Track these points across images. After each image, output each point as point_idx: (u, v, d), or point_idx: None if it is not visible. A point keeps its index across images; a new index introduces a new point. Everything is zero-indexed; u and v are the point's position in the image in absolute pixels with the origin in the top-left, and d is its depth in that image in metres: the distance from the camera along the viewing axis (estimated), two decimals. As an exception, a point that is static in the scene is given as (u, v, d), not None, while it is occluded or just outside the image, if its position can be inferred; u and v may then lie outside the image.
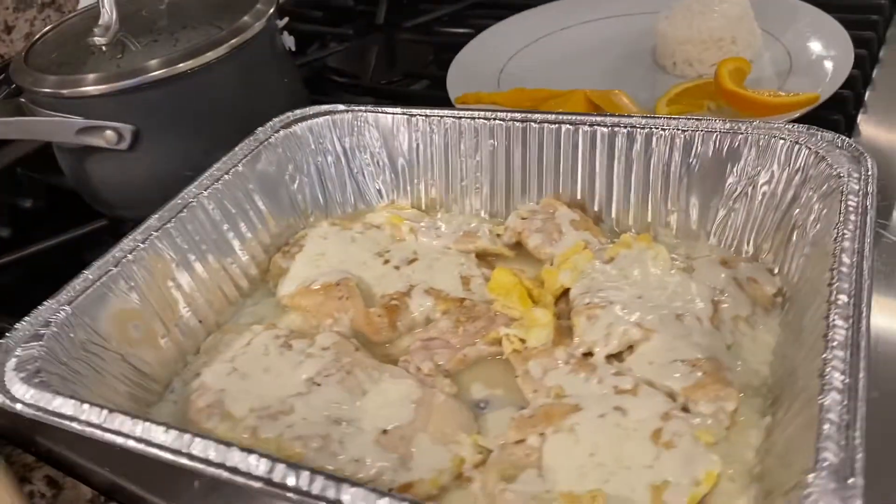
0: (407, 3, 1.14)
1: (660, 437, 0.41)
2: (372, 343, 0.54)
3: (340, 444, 0.44)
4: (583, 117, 0.58)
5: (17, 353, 0.45)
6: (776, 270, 0.52)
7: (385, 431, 0.45)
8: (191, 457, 0.37)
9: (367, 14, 1.11)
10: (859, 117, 0.71)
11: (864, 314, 0.38)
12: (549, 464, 0.42)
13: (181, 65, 0.64)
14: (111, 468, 0.52)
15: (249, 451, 0.36)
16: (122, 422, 0.39)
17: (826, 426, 0.33)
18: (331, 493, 0.34)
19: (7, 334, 0.46)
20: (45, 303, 0.49)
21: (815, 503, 0.30)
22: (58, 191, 0.85)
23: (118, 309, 0.51)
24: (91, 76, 0.63)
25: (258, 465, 0.36)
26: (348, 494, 0.33)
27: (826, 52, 0.73)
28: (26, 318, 0.47)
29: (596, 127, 0.57)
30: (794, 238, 0.51)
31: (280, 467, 0.35)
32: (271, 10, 0.70)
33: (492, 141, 0.61)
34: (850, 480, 0.30)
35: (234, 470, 0.36)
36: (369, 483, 0.40)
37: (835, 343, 0.37)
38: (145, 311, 0.53)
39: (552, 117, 0.59)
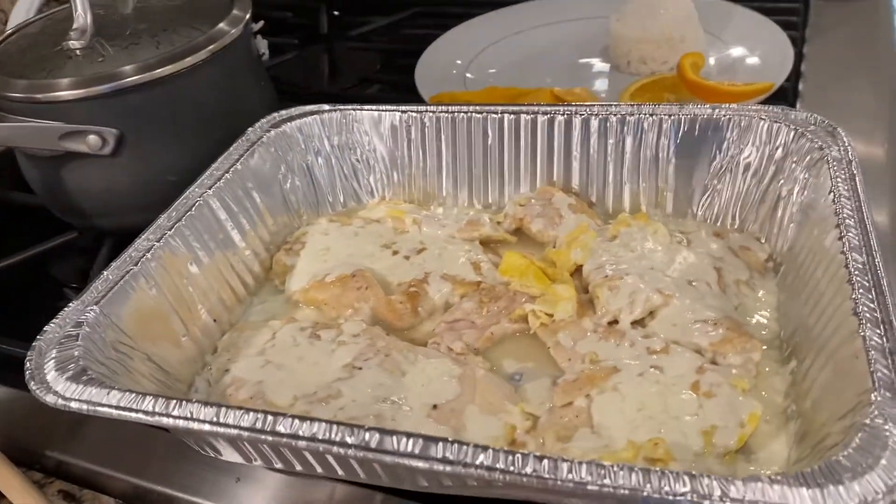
0: (346, 14, 1.15)
1: (699, 388, 0.45)
2: (394, 329, 0.55)
3: (394, 420, 0.45)
4: (573, 107, 0.61)
5: (53, 355, 0.43)
6: (763, 240, 0.57)
7: (435, 406, 0.47)
8: (275, 433, 0.37)
9: (309, 25, 1.12)
10: (797, 105, 0.78)
11: (878, 261, 0.42)
12: (601, 421, 0.44)
13: (164, 69, 0.63)
14: (134, 473, 0.51)
15: (337, 422, 0.37)
16: (193, 409, 0.39)
17: (872, 353, 0.37)
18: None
19: (38, 337, 0.45)
20: (70, 304, 0.47)
21: (881, 413, 0.34)
22: (9, 206, 0.81)
23: (142, 307, 0.50)
24: (73, 80, 0.62)
25: (352, 433, 0.36)
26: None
27: (765, 48, 0.81)
28: (54, 321, 0.46)
29: (588, 116, 0.61)
30: (780, 209, 0.56)
31: (374, 435, 0.36)
32: (247, 16, 0.70)
33: (486, 134, 0.63)
34: (907, 394, 0.35)
35: (334, 442, 0.36)
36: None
37: (860, 288, 0.41)
38: (166, 308, 0.52)
39: (542, 109, 0.62)
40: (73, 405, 0.40)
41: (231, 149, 0.62)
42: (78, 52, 0.65)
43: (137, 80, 0.63)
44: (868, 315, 0.39)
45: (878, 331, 0.38)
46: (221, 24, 0.67)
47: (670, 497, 0.32)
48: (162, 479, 0.50)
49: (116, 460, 0.52)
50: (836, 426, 0.38)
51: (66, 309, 0.47)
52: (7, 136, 0.62)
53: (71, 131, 0.62)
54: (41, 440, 0.54)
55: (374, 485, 0.43)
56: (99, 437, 0.54)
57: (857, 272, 0.42)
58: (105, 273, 0.50)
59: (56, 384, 0.42)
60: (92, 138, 0.63)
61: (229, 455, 0.46)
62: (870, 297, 0.40)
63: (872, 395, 0.35)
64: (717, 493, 0.32)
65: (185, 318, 0.53)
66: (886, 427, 0.34)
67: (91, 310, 0.47)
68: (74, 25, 0.65)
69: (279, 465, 0.45)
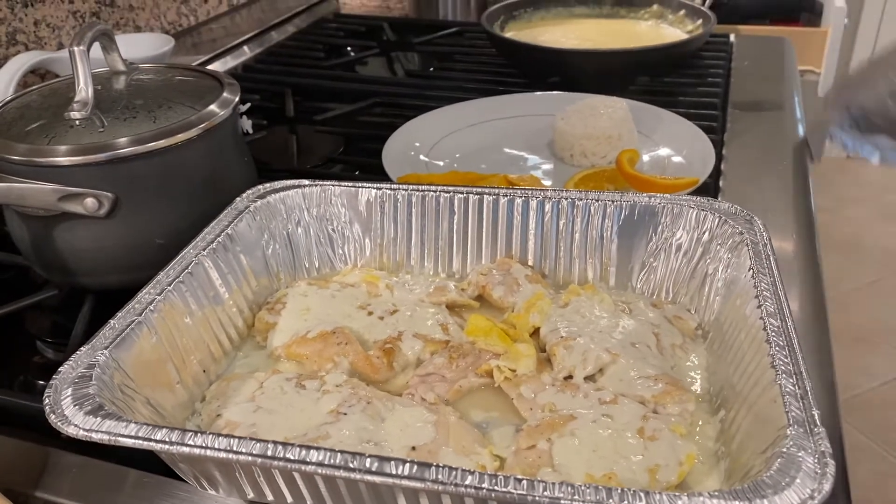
0: (310, 100, 1.24)
1: (644, 433, 0.52)
2: (371, 382, 0.60)
3: (378, 460, 0.50)
4: (530, 191, 0.70)
5: (69, 393, 0.47)
6: (693, 310, 0.66)
7: (414, 448, 0.52)
8: (286, 459, 0.42)
9: (276, 109, 1.20)
10: (719, 198, 0.89)
11: (790, 325, 0.51)
12: (561, 462, 0.51)
13: (159, 142, 0.69)
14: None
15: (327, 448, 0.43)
16: (208, 439, 0.44)
17: (787, 397, 0.45)
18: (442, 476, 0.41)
19: (55, 377, 0.49)
20: (81, 349, 0.51)
21: (795, 444, 0.42)
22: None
23: (143, 354, 0.54)
24: (74, 146, 0.67)
25: (354, 458, 0.42)
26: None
27: (690, 148, 0.92)
28: (68, 363, 0.50)
29: (543, 199, 0.69)
30: (707, 284, 0.65)
31: (375, 461, 0.42)
32: (236, 99, 0.77)
33: (452, 211, 0.71)
34: (816, 429, 0.43)
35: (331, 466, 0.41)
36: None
37: (776, 346, 0.49)
38: (164, 356, 0.56)
39: (503, 191, 0.71)
40: (95, 436, 0.44)
41: (221, 216, 0.68)
42: (78, 122, 0.70)
43: (134, 150, 0.68)
44: (783, 367, 0.48)
45: (792, 380, 0.47)
46: (213, 106, 0.74)
47: (629, 509, 0.39)
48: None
49: (96, 499, 0.55)
50: (759, 459, 0.45)
51: (77, 352, 0.51)
52: (9, 194, 0.66)
53: (70, 194, 0.67)
54: (30, 480, 0.56)
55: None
56: (76, 478, 0.57)
57: (773, 333, 0.51)
58: (112, 322, 0.54)
59: (75, 418, 0.46)
60: (89, 201, 0.67)
61: (224, 488, 0.50)
62: (784, 353, 0.49)
63: (788, 430, 0.43)
64: (667, 505, 0.39)
65: (179, 366, 0.58)
66: (799, 455, 0.42)
67: (102, 353, 0.51)
68: (77, 98, 0.70)
69: (270, 498, 0.49)
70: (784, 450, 0.42)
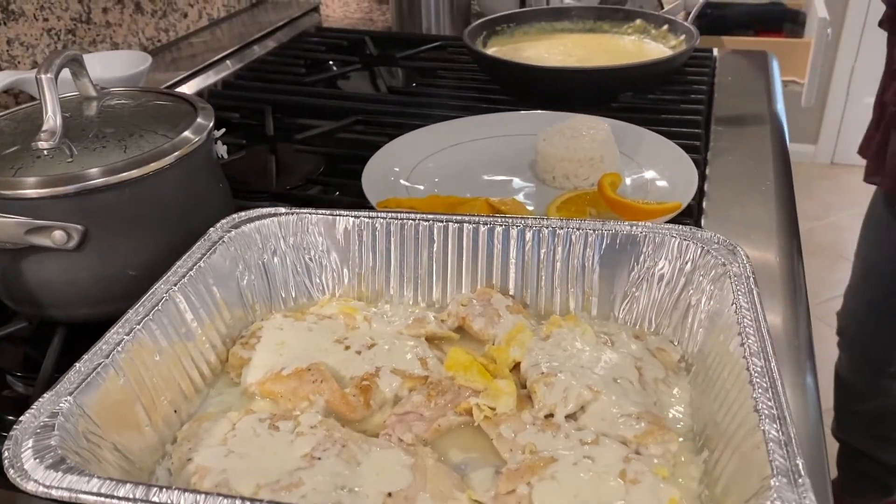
0: (290, 117, 1.22)
1: (626, 475, 0.51)
2: (347, 420, 0.59)
3: (353, 508, 0.49)
4: (511, 219, 0.69)
5: (30, 445, 0.46)
6: (676, 342, 0.65)
7: (390, 494, 0.51)
8: (254, 519, 0.41)
9: (255, 126, 1.18)
10: (702, 221, 0.89)
11: (773, 365, 0.50)
12: (541, 507, 0.49)
13: (130, 172, 0.67)
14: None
15: (311, 508, 0.41)
16: (174, 496, 0.42)
17: (771, 444, 0.44)
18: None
19: (15, 427, 0.47)
20: (44, 395, 0.50)
21: (779, 496, 0.41)
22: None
23: (110, 397, 0.53)
24: (41, 178, 0.65)
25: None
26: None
27: (673, 169, 0.91)
28: (29, 411, 0.48)
29: (523, 227, 0.68)
30: (690, 315, 0.64)
31: (346, 518, 0.40)
32: (210, 124, 0.75)
33: (432, 240, 0.70)
34: (800, 480, 0.41)
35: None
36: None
37: (760, 388, 0.48)
38: (132, 397, 0.54)
39: (483, 220, 0.69)
40: (55, 493, 0.43)
41: (194, 247, 0.66)
42: (46, 152, 0.68)
43: (104, 181, 0.66)
44: (766, 412, 0.47)
45: (776, 425, 0.45)
46: (186, 132, 0.72)
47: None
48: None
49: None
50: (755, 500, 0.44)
51: (41, 399, 0.49)
52: (-27, 229, 0.64)
53: (37, 227, 0.65)
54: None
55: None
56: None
57: (756, 374, 0.50)
58: (77, 365, 0.52)
59: (35, 473, 0.44)
60: (57, 234, 0.65)
61: (194, 542, 0.48)
62: (767, 396, 0.48)
63: (772, 480, 0.42)
64: (648, 565, 0.37)
65: (149, 407, 0.56)
66: (784, 508, 0.40)
67: (65, 400, 0.49)
68: (44, 127, 0.68)
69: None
70: (768, 503, 0.41)
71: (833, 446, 1.68)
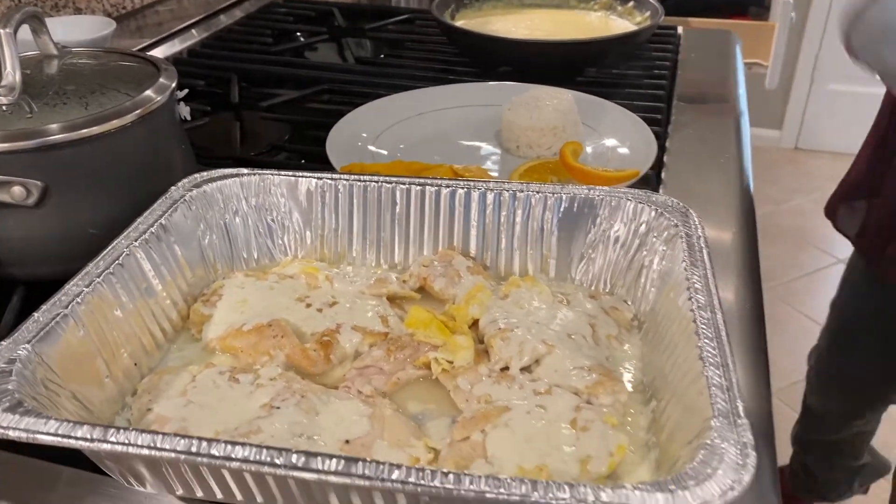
0: (256, 86, 1.22)
1: (576, 423, 0.52)
2: (308, 375, 0.60)
3: (310, 454, 0.50)
4: (472, 182, 0.70)
5: (-13, 389, 0.46)
6: (629, 302, 0.67)
7: (347, 441, 0.52)
8: (210, 456, 0.42)
9: (220, 94, 1.17)
10: (660, 190, 0.90)
11: (719, 317, 0.52)
12: (494, 453, 0.51)
13: (92, 129, 0.67)
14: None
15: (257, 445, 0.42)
16: (131, 436, 0.43)
17: (713, 389, 0.46)
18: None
19: (-28, 371, 0.47)
20: (2, 343, 0.50)
21: (719, 435, 0.42)
22: None
23: (70, 348, 0.53)
24: (1, 132, 0.65)
25: (280, 455, 0.41)
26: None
27: (633, 140, 0.93)
28: (-12, 357, 0.48)
29: (485, 190, 0.69)
30: (643, 276, 0.66)
31: (301, 456, 0.41)
32: (173, 85, 0.75)
33: (394, 202, 0.71)
34: (739, 420, 0.43)
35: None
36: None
37: (705, 338, 0.50)
38: (92, 350, 0.55)
39: (445, 182, 0.70)
40: (12, 433, 0.43)
41: (155, 205, 0.66)
42: (4, 107, 0.68)
43: (65, 137, 0.66)
44: (711, 359, 0.48)
45: (718, 371, 0.47)
46: (148, 91, 0.72)
47: (553, 501, 0.39)
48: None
49: (26, 497, 0.53)
50: (686, 449, 0.46)
51: (-1, 346, 0.49)
52: (-69, 183, 0.63)
53: (-4, 182, 0.65)
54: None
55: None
56: (4, 476, 0.55)
57: (703, 325, 0.51)
58: (36, 314, 0.53)
59: (-7, 415, 0.44)
60: (17, 189, 0.65)
61: (152, 484, 0.49)
62: (712, 345, 0.49)
63: (712, 421, 0.44)
64: (591, 497, 0.39)
65: (109, 360, 0.56)
66: (723, 446, 0.42)
67: (23, 348, 0.49)
68: (3, 83, 0.68)
69: (200, 494, 0.48)
70: (708, 441, 0.43)
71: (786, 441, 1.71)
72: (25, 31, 0.71)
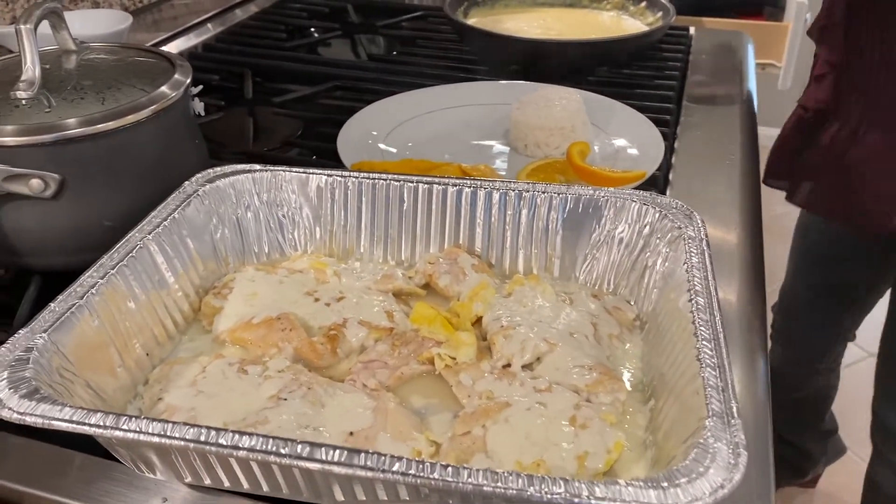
0: (269, 81, 1.23)
1: (575, 420, 0.54)
2: (315, 368, 0.61)
3: (315, 445, 0.51)
4: (479, 181, 0.71)
5: (5, 376, 0.48)
6: (632, 302, 0.68)
7: (352, 433, 0.53)
8: (219, 445, 0.43)
9: (234, 89, 1.19)
10: (667, 192, 0.91)
11: (718, 319, 0.53)
12: (494, 447, 0.52)
13: (108, 123, 0.69)
14: (60, 492, 0.54)
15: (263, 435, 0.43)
16: (142, 424, 0.44)
17: (709, 389, 0.47)
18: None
19: (-10, 358, 0.49)
20: (19, 332, 0.51)
21: (713, 435, 0.44)
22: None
23: (84, 337, 0.55)
24: (19, 127, 0.66)
25: (286, 445, 0.43)
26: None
27: (641, 141, 0.94)
28: (6, 346, 0.50)
29: (491, 189, 0.70)
30: (646, 276, 0.67)
31: (306, 447, 0.43)
32: (188, 81, 0.76)
33: (402, 200, 0.72)
34: (733, 420, 0.44)
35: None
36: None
37: (703, 339, 0.51)
38: (105, 340, 0.57)
39: (452, 181, 0.71)
40: (29, 419, 0.45)
41: (169, 199, 0.68)
42: (24, 102, 0.69)
43: (81, 132, 0.67)
44: (707, 361, 0.49)
45: (715, 372, 0.48)
46: (164, 87, 0.74)
47: (548, 496, 0.40)
48: (87, 498, 0.54)
49: (40, 480, 0.55)
50: (680, 448, 0.47)
51: (16, 335, 0.51)
52: (-50, 175, 0.65)
53: (15, 174, 0.66)
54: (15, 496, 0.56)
55: (293, 501, 0.49)
56: (20, 459, 0.57)
57: (701, 327, 0.52)
58: (52, 305, 0.54)
59: (10, 401, 0.46)
60: (35, 182, 0.67)
61: (161, 471, 0.51)
62: (709, 346, 0.50)
63: (707, 421, 0.45)
64: (585, 493, 0.40)
65: (121, 349, 0.58)
66: (716, 445, 0.43)
67: (40, 337, 0.51)
68: (23, 77, 0.70)
69: (208, 482, 0.50)
70: (701, 440, 0.44)
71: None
72: (45, 26, 0.73)
